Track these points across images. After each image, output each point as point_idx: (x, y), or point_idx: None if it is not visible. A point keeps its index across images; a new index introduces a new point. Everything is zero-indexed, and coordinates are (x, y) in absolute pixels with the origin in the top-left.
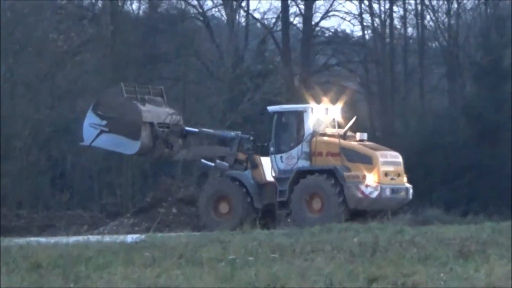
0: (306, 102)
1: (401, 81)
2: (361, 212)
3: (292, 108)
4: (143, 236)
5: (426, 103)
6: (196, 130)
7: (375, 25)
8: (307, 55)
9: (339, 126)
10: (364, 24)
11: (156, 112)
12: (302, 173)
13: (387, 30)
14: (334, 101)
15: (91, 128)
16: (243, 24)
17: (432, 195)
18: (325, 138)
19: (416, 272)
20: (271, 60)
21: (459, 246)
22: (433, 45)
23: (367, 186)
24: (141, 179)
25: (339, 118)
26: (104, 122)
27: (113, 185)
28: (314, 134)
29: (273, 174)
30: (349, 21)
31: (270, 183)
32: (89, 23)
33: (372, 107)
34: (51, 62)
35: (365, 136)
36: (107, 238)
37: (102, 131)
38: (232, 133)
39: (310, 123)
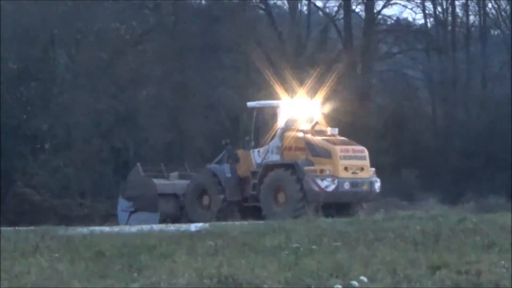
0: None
1: (463, 69)
2: (345, 205)
3: (267, 104)
4: (206, 225)
5: (487, 91)
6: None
7: (437, 12)
8: (369, 44)
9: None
10: (426, 12)
11: (183, 184)
12: (270, 167)
13: (449, 18)
14: (311, 96)
15: (123, 212)
16: (305, 12)
17: (495, 182)
18: (294, 133)
19: (479, 260)
20: (333, 48)
21: None
22: (495, 32)
23: (323, 179)
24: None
25: (316, 113)
26: (131, 204)
27: None
28: (285, 129)
29: (251, 168)
30: (411, 8)
31: (249, 177)
32: (150, 12)
33: (433, 95)
34: (112, 51)
35: (336, 131)
36: (171, 227)
37: (131, 212)
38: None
39: (283, 118)
